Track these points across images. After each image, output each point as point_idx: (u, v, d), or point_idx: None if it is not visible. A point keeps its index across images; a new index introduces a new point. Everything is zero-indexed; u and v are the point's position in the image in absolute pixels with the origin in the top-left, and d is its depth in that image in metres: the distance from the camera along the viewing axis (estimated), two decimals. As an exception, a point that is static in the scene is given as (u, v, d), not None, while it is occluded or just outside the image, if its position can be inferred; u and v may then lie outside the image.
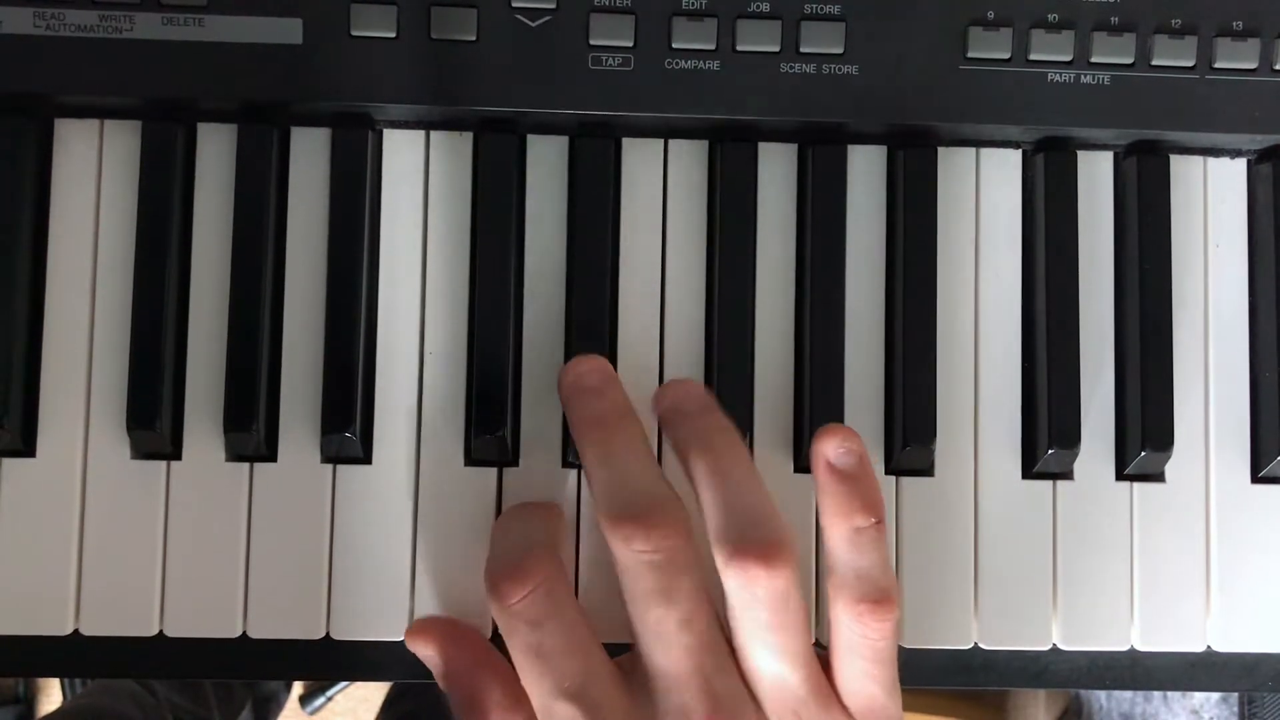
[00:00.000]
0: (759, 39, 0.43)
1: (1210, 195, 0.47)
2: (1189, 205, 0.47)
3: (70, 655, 0.44)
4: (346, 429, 0.43)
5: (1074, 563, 0.45)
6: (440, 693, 0.40)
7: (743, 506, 0.38)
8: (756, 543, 0.37)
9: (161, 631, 0.43)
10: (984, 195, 0.46)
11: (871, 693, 0.39)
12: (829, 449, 0.40)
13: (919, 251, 0.45)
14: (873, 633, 0.38)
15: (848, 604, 0.38)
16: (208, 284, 0.44)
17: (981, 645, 0.45)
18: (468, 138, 0.45)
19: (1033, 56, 0.44)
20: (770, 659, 0.38)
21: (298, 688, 1.42)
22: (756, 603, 0.37)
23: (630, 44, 0.43)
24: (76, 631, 0.43)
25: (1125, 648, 0.45)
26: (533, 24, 0.43)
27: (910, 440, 0.44)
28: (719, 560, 0.38)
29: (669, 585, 0.38)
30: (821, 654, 0.40)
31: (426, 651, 0.42)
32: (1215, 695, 0.74)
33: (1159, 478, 0.46)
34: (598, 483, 0.40)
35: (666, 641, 0.38)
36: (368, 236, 0.44)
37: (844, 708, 0.39)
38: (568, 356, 0.44)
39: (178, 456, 0.44)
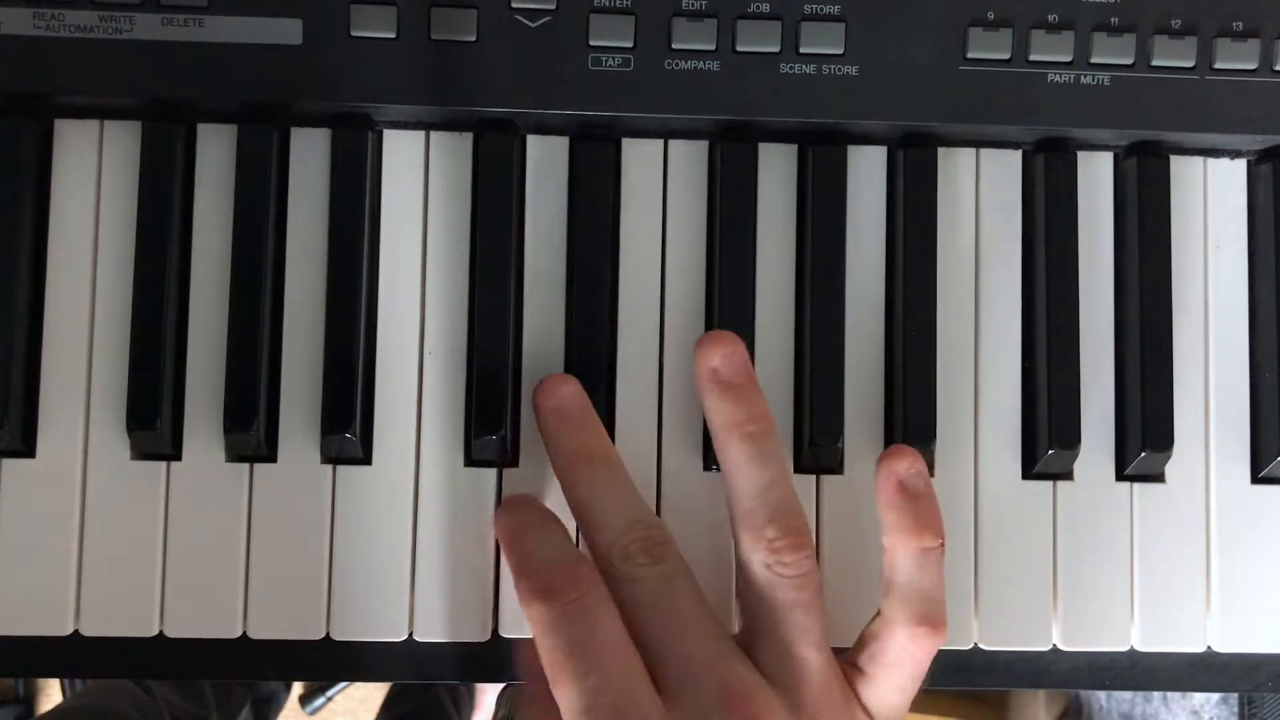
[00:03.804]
0: (759, 39, 0.43)
1: (1210, 196, 0.47)
2: (1189, 206, 0.47)
3: (70, 655, 0.43)
4: (346, 429, 0.43)
5: (1074, 563, 0.45)
6: (439, 693, 0.40)
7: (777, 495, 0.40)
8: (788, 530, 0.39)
9: (161, 632, 0.43)
10: (984, 195, 0.46)
11: (895, 704, 0.40)
12: (901, 467, 0.40)
13: (919, 251, 0.45)
14: (922, 652, 0.39)
15: (907, 623, 0.39)
16: (208, 284, 0.44)
17: (982, 645, 0.45)
18: (468, 138, 0.45)
19: (1033, 57, 0.44)
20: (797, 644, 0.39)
21: (298, 688, 1.42)
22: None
23: (630, 44, 0.43)
24: (76, 632, 0.43)
25: (1125, 648, 0.45)
26: (533, 24, 0.43)
27: (910, 441, 0.44)
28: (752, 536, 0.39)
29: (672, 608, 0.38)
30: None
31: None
32: (1215, 695, 0.74)
33: (1159, 478, 0.46)
34: (596, 512, 0.40)
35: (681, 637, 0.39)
36: (368, 237, 0.44)
37: (864, 708, 0.40)
38: (568, 356, 0.44)
39: (178, 457, 0.43)
